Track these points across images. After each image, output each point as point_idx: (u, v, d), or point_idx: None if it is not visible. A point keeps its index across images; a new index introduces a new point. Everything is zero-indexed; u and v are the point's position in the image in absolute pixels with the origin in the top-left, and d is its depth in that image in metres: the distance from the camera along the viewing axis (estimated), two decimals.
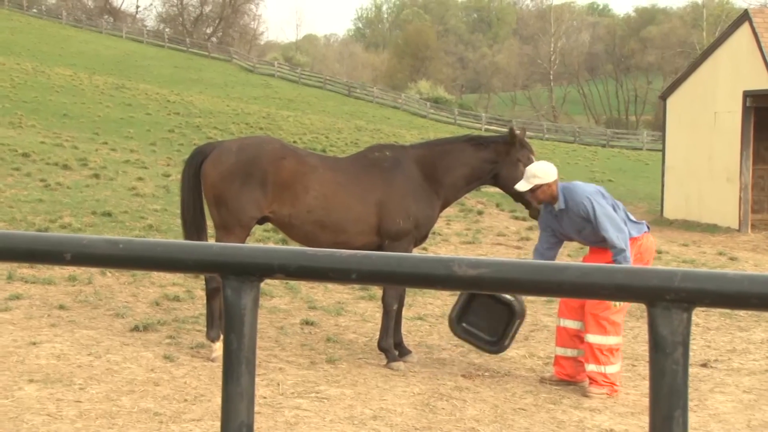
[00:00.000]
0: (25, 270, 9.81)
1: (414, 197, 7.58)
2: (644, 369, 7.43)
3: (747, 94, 19.37)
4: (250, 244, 4.38)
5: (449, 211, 13.32)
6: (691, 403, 6.66)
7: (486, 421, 6.24)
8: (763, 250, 16.98)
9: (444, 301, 10.20)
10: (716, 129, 20.56)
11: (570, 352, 7.27)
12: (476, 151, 7.63)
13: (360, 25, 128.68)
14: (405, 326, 8.55)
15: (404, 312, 8.36)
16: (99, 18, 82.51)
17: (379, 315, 8.38)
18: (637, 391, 7.08)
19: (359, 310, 9.58)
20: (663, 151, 23.44)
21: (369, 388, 6.85)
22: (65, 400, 6.11)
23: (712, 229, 19.71)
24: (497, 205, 19.03)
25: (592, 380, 7.04)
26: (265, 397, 6.41)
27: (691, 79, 21.90)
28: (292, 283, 10.19)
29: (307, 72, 71.82)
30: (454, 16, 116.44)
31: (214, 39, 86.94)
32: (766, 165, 21.18)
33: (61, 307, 8.64)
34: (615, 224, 6.92)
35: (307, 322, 8.83)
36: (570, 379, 7.25)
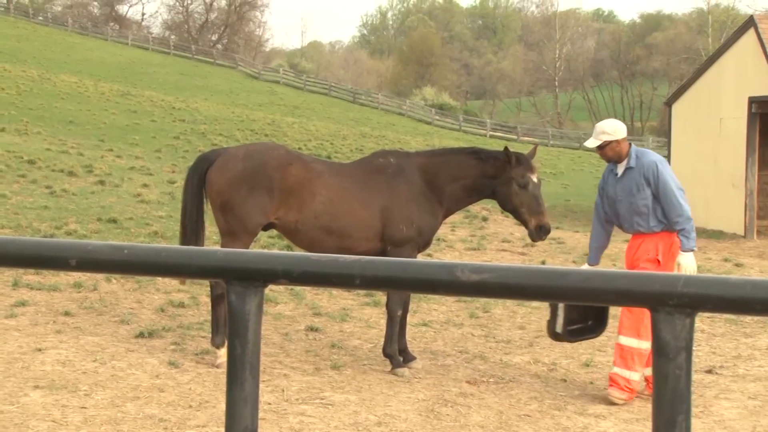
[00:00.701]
0: (30, 277, 9.83)
1: (417, 204, 7.59)
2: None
3: (752, 101, 19.35)
4: (254, 249, 4.39)
5: (454, 217, 13.31)
6: (696, 410, 6.65)
7: (491, 427, 6.24)
8: None
9: (449, 307, 10.20)
10: (722, 135, 20.54)
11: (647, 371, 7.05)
12: (477, 165, 7.61)
13: (365, 31, 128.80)
14: (410, 332, 8.55)
15: (409, 318, 8.36)
16: (105, 25, 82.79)
17: (383, 321, 8.38)
18: (641, 397, 7.06)
19: (364, 316, 9.59)
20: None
21: (374, 395, 6.85)
22: (70, 406, 6.12)
23: (717, 235, 19.66)
24: (502, 212, 18.99)
25: (614, 383, 6.90)
26: (269, 403, 6.41)
27: (697, 85, 21.89)
28: (297, 289, 10.20)
29: (312, 79, 71.91)
30: (459, 23, 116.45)
31: (219, 46, 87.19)
32: None
33: (67, 314, 8.66)
34: (680, 191, 6.82)
35: (311, 329, 8.84)
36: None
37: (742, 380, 7.72)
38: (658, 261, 6.98)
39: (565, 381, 7.54)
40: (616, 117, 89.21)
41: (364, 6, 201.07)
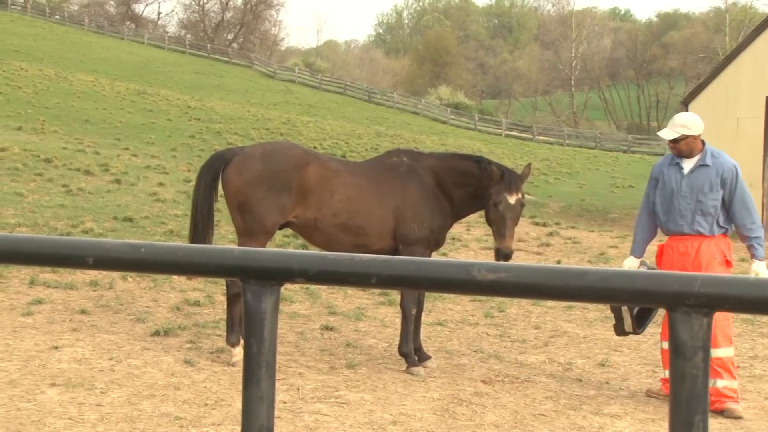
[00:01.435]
0: (47, 275, 9.88)
1: (428, 204, 7.61)
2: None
3: None
4: (271, 248, 4.34)
5: (469, 216, 13.28)
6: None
7: (506, 426, 6.22)
8: None
9: (464, 307, 10.20)
10: (739, 134, 20.44)
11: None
12: (476, 174, 7.59)
13: (380, 30, 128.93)
14: (425, 332, 8.55)
15: (424, 317, 8.36)
16: (121, 24, 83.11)
17: (398, 320, 8.38)
18: (657, 397, 7.03)
19: (379, 315, 9.59)
20: None
21: (389, 393, 6.85)
22: (87, 404, 6.15)
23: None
24: None
25: (726, 397, 6.66)
26: (285, 402, 6.42)
27: (714, 85, 21.79)
28: (312, 288, 10.21)
29: (328, 78, 71.99)
30: (475, 22, 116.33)
31: (235, 45, 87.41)
32: None
33: (83, 312, 8.70)
34: (751, 201, 6.72)
35: (326, 327, 8.85)
36: None
37: (759, 381, 7.68)
38: (730, 263, 6.94)
39: (580, 381, 7.52)
40: (632, 116, 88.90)
41: (379, 5, 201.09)
